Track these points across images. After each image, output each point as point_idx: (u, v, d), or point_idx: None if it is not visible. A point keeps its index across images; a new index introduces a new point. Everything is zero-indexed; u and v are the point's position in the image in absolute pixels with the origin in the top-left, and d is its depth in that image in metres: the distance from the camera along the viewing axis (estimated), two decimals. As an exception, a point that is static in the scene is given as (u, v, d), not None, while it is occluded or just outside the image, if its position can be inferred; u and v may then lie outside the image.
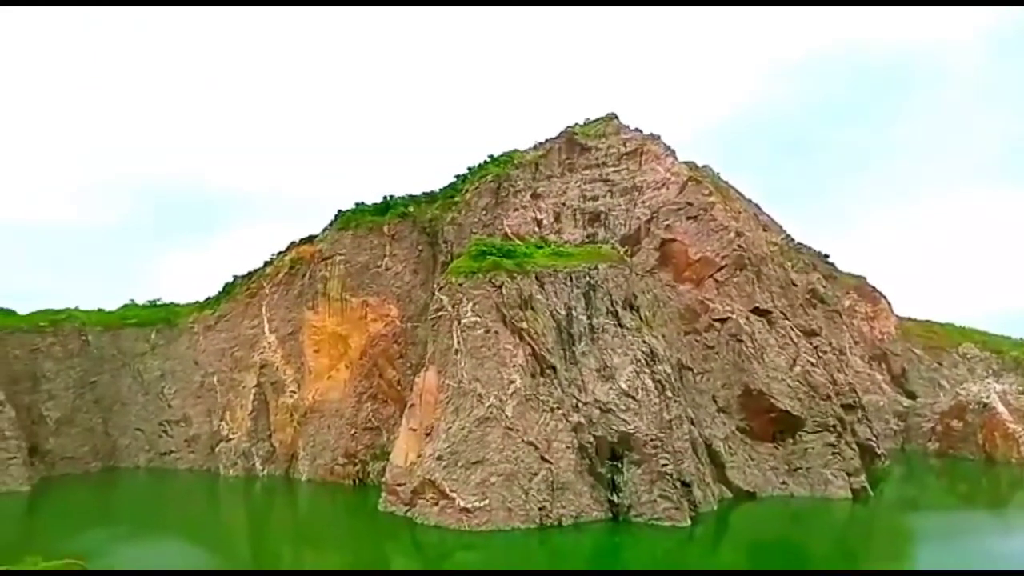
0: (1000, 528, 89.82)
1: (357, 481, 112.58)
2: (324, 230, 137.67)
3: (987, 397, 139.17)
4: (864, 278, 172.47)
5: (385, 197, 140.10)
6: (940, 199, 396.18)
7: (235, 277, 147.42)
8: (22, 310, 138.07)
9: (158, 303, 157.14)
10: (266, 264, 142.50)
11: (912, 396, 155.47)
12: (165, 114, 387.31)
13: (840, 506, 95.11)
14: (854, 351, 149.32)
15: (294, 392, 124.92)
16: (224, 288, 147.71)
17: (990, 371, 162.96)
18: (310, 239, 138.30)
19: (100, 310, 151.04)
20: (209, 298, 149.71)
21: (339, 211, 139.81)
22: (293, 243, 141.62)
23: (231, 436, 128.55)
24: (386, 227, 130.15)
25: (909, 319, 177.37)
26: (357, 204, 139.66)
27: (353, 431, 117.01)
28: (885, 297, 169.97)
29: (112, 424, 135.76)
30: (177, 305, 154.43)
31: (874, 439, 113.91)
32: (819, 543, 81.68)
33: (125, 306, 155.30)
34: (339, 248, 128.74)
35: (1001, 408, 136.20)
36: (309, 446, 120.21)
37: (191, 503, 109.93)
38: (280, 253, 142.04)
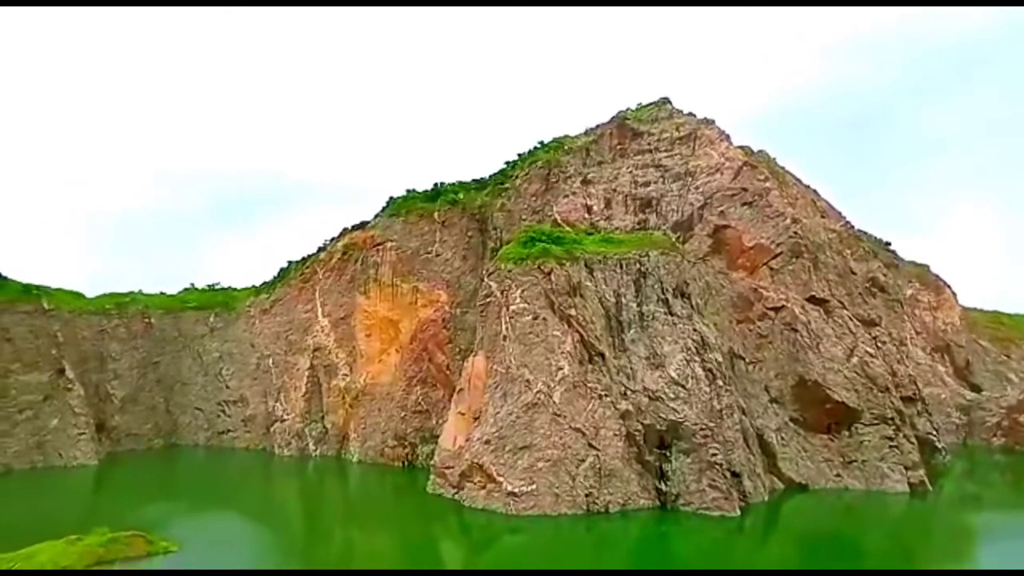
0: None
1: (406, 463, 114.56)
2: (376, 216, 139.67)
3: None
4: (927, 267, 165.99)
5: (435, 184, 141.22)
6: (1012, 185, 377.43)
7: (289, 262, 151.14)
8: (89, 293, 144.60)
9: (216, 287, 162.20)
10: (319, 250, 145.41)
11: (977, 389, 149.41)
12: (222, 105, 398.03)
13: (896, 500, 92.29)
14: (915, 342, 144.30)
15: (346, 375, 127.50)
16: (279, 273, 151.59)
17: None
18: (362, 225, 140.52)
19: (162, 293, 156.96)
20: (265, 282, 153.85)
21: (390, 198, 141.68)
22: (346, 229, 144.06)
23: (285, 417, 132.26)
24: (436, 213, 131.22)
25: (975, 309, 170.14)
26: (408, 191, 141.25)
27: (403, 414, 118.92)
28: (949, 286, 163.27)
29: (173, 403, 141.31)
30: (234, 289, 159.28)
31: (934, 433, 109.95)
32: (873, 538, 79.23)
33: (186, 290, 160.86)
34: (390, 234, 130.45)
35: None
36: (360, 428, 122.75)
37: (248, 480, 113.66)
38: (333, 239, 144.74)
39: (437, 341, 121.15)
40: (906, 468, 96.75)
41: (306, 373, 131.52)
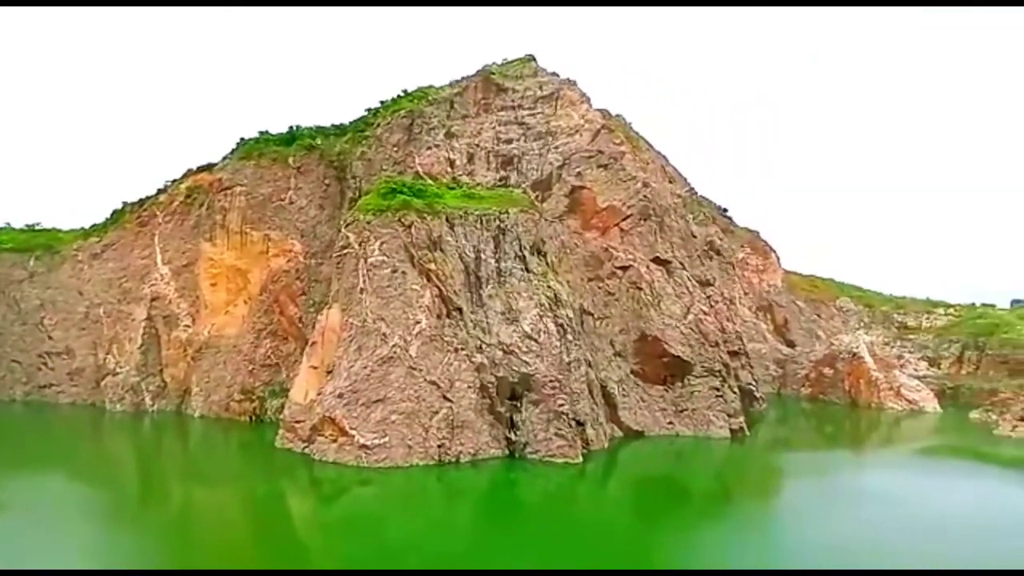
0: (855, 465, 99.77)
1: (253, 418, 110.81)
2: (224, 159, 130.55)
3: (856, 347, 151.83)
4: (758, 232, 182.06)
5: (291, 127, 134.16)
6: (840, 156, 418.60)
7: (124, 204, 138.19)
8: None
9: (37, 228, 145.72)
10: (159, 191, 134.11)
11: (792, 345, 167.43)
12: (56, 27, 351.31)
13: (719, 445, 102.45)
14: (743, 301, 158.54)
15: (188, 326, 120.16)
16: (112, 215, 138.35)
17: (861, 323, 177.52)
18: (208, 167, 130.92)
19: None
20: (95, 225, 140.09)
21: (241, 139, 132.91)
22: (190, 171, 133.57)
23: (118, 370, 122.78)
24: (291, 159, 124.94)
25: (795, 273, 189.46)
26: (261, 133, 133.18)
27: (251, 367, 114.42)
28: (775, 251, 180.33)
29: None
30: (59, 231, 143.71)
31: (754, 384, 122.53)
32: (697, 479, 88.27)
33: (0, 229, 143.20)
34: (240, 178, 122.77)
35: (867, 357, 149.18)
36: (203, 382, 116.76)
37: (75, 437, 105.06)
38: (175, 180, 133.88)
39: (289, 292, 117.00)
40: (729, 416, 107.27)
41: (143, 324, 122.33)
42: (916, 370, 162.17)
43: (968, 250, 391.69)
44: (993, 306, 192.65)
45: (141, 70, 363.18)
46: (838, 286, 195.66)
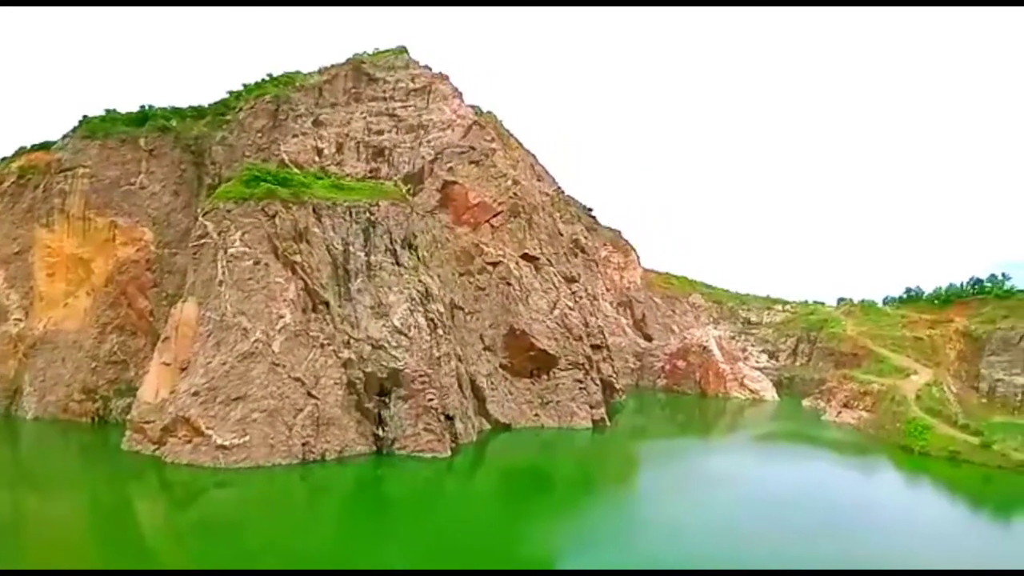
0: (703, 450, 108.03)
1: (96, 419, 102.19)
2: (64, 137, 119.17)
3: (706, 341, 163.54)
4: (619, 232, 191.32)
5: (142, 106, 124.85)
6: (695, 161, 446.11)
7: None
8: None
9: None
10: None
11: (649, 339, 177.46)
12: None
13: (582, 434, 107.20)
14: (605, 297, 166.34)
15: (19, 320, 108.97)
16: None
17: (711, 318, 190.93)
18: (45, 146, 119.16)
19: None
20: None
21: (84, 117, 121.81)
22: (23, 149, 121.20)
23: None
24: (143, 140, 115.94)
25: (652, 271, 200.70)
26: (107, 111, 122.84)
27: (94, 365, 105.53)
28: (635, 250, 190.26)
29: None
30: None
31: (615, 376, 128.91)
32: (561, 467, 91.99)
33: None
34: (83, 159, 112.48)
35: (716, 350, 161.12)
36: (38, 381, 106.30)
37: None
38: (5, 159, 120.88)
39: (139, 284, 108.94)
40: (591, 407, 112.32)
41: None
42: (758, 362, 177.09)
43: (802, 252, 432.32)
44: (823, 303, 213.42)
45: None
46: (691, 283, 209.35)
